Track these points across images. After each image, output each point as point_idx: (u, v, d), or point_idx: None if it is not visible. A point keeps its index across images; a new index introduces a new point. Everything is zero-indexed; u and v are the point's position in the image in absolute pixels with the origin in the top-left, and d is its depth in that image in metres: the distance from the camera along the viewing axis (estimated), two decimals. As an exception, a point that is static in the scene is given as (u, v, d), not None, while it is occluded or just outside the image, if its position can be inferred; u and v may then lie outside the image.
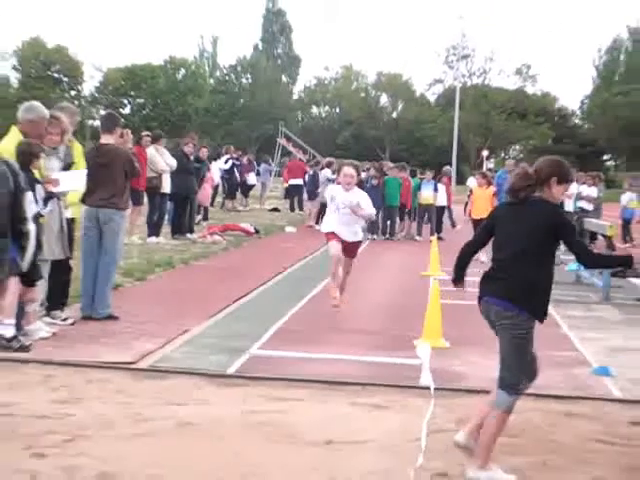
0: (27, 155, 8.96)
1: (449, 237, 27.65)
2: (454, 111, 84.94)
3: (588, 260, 6.38)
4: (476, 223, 23.91)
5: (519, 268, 6.21)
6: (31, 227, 6.59)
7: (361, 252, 22.67)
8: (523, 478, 6.27)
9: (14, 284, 7.53)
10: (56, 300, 10.82)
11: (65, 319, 10.79)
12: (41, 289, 9.98)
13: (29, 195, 6.68)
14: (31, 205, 6.66)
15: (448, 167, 36.12)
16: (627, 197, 28.57)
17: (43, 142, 9.85)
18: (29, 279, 6.89)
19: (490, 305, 6.28)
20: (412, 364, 9.74)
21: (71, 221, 10.94)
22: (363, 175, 29.46)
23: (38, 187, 9.01)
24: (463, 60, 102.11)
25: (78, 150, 11.14)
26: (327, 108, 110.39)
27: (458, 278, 6.82)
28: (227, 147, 37.03)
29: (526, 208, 6.32)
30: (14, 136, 9.47)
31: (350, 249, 12.60)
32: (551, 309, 14.38)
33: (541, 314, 6.23)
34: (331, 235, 12.35)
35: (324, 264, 12.40)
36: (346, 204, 12.10)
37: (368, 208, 12.57)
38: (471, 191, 27.55)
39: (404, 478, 6.10)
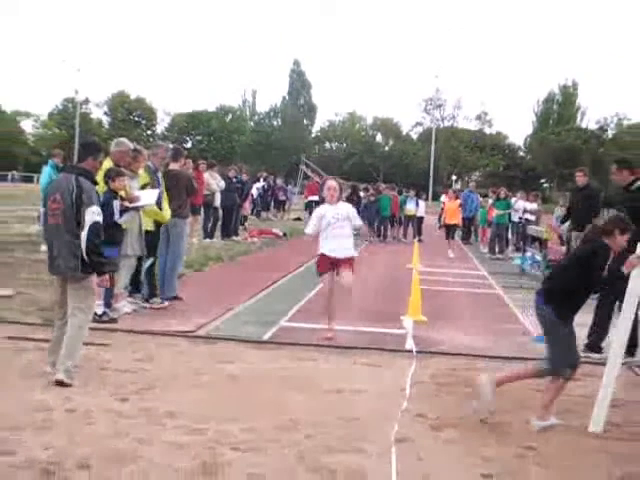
0: (107, 177, 9.07)
1: (426, 240, 27.64)
2: (431, 146, 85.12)
3: (596, 285, 6.36)
4: (448, 227, 23.98)
5: (556, 279, 6.53)
6: (83, 233, 6.66)
7: (360, 250, 22.72)
8: (479, 416, 6.26)
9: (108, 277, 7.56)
10: (152, 290, 10.87)
11: (160, 302, 10.79)
12: (124, 276, 10.02)
13: (92, 208, 6.71)
14: (92, 217, 6.69)
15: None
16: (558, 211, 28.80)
17: (129, 168, 9.93)
18: (94, 270, 6.91)
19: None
20: (399, 333, 9.74)
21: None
22: (362, 194, 29.57)
23: (115, 202, 9.12)
24: (437, 108, 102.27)
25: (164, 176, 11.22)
26: (336, 143, 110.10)
27: None
28: (260, 173, 37.52)
29: (584, 245, 6.59)
30: (106, 164, 9.51)
31: (345, 263, 9.46)
32: (502, 293, 14.49)
33: (564, 315, 6.21)
34: (322, 265, 9.46)
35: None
36: (337, 217, 9.38)
37: (355, 220, 9.78)
38: (444, 204, 27.64)
39: (393, 417, 6.10)
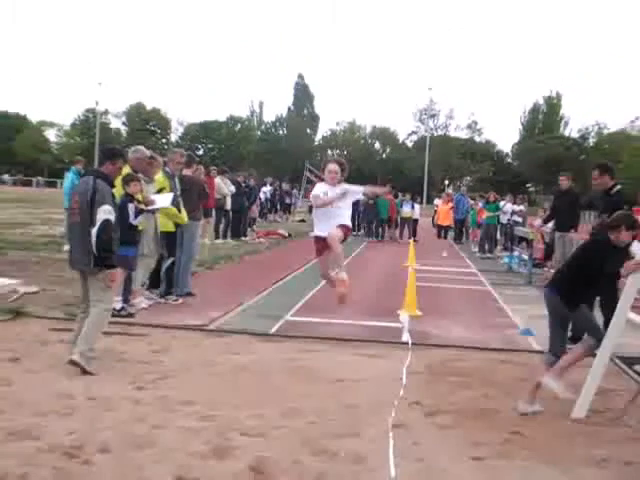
0: (124, 182, 9.07)
1: (421, 240, 27.62)
2: (425, 153, 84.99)
3: (597, 277, 6.33)
4: (440, 227, 24.12)
5: (564, 271, 6.56)
6: (93, 229, 6.71)
7: (360, 249, 22.74)
8: (469, 404, 6.27)
9: (118, 273, 7.57)
10: (168, 287, 10.89)
11: (175, 299, 10.79)
12: (141, 275, 10.04)
13: (104, 207, 6.74)
14: (103, 215, 6.73)
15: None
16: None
17: (146, 174, 9.95)
18: (103, 265, 6.92)
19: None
20: (395, 326, 9.74)
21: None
22: (362, 197, 29.52)
23: (131, 205, 9.14)
24: (431, 118, 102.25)
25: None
26: (338, 151, 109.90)
27: None
28: (267, 178, 37.73)
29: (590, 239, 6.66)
30: (125, 170, 9.49)
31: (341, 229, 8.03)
32: (491, 289, 14.48)
33: (571, 305, 6.24)
34: (318, 248, 8.23)
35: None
36: (337, 198, 7.97)
37: (356, 193, 8.44)
38: (437, 206, 27.74)
39: (390, 405, 6.10)
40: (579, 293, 6.27)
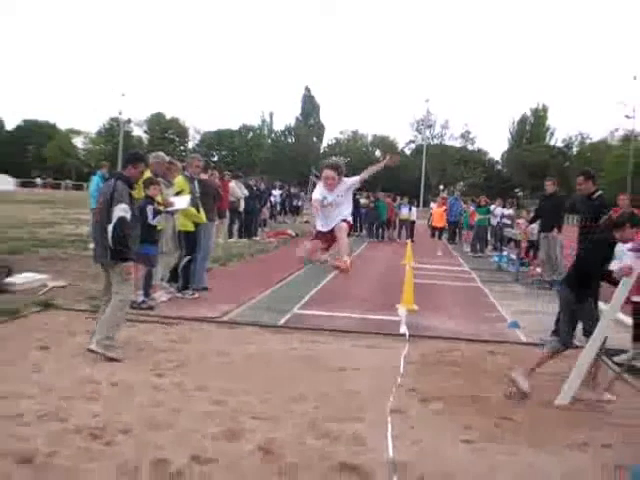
0: (144, 184, 9.09)
1: (418, 240, 27.58)
2: (422, 160, 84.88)
3: (596, 271, 6.31)
4: (434, 229, 24.15)
5: (574, 267, 6.53)
6: (110, 226, 6.75)
7: (361, 249, 22.73)
8: (462, 391, 6.26)
9: (133, 266, 7.60)
10: (185, 283, 10.88)
11: (192, 294, 10.79)
12: (161, 271, 10.06)
13: (120, 205, 6.76)
14: (119, 212, 6.76)
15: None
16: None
17: (166, 178, 9.97)
18: (118, 257, 6.93)
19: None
20: (394, 320, 9.73)
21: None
22: (363, 200, 29.54)
23: (149, 207, 9.16)
24: (428, 128, 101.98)
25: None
26: (341, 157, 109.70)
27: None
28: (275, 182, 37.78)
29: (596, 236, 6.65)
30: (146, 174, 9.53)
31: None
32: (482, 286, 14.43)
33: (581, 297, 6.24)
34: (315, 240, 7.41)
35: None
36: (337, 198, 7.27)
37: (356, 179, 7.58)
38: (432, 209, 27.76)
39: (389, 391, 6.10)
40: (588, 286, 6.29)
